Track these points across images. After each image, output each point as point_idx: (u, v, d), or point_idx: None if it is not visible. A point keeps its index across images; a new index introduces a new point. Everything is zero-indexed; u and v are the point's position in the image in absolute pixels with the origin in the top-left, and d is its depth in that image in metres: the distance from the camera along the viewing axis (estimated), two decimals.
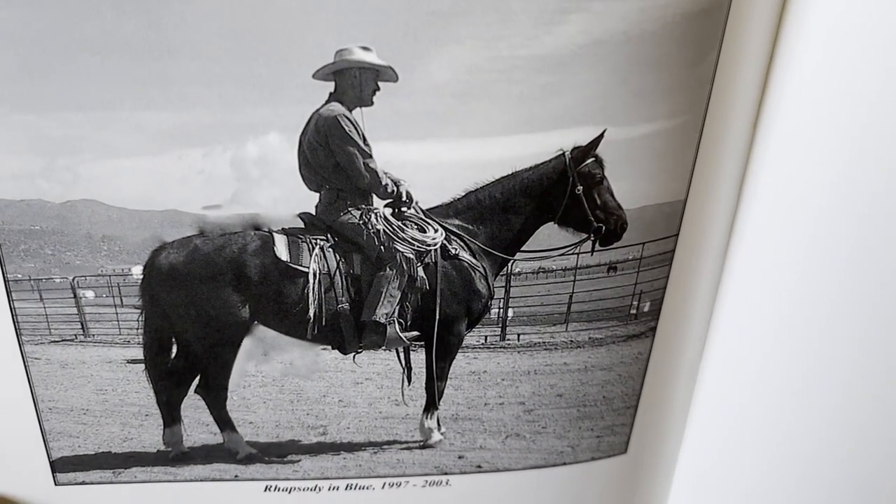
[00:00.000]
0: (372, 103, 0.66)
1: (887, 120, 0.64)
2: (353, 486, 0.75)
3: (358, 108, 0.70)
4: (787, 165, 0.67)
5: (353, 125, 0.71)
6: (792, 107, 0.66)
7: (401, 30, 0.59)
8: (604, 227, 0.77)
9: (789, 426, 0.75)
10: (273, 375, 0.78)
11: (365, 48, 0.61)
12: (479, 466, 0.76)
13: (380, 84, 0.64)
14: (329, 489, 0.75)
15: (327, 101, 0.69)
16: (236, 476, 0.74)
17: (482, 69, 0.60)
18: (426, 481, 0.76)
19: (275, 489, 0.75)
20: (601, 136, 0.65)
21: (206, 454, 0.75)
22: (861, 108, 0.64)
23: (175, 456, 0.75)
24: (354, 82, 0.67)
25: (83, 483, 0.74)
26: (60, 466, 0.73)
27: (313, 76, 0.62)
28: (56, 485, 0.73)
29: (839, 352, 0.71)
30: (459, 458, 0.77)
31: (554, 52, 0.60)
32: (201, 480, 0.75)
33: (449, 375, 0.80)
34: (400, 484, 0.76)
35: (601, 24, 0.59)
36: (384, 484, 0.75)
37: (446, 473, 0.76)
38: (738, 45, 0.62)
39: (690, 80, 0.63)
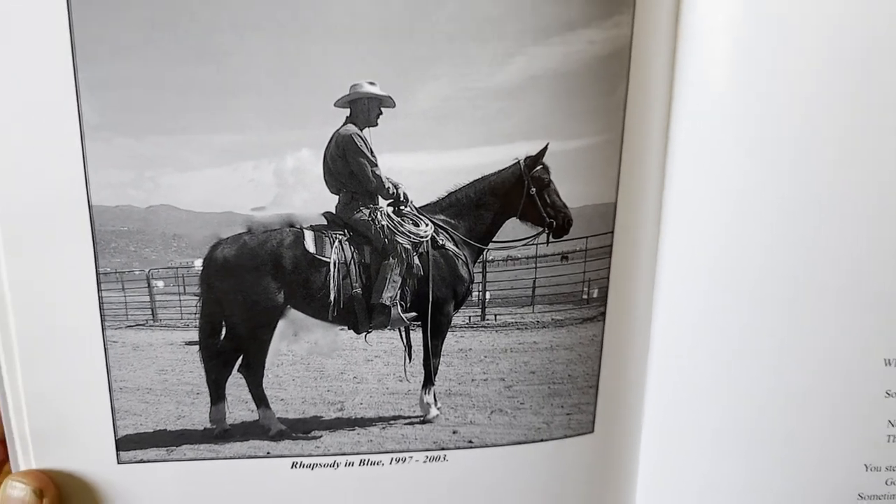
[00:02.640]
0: (377, 124, 0.74)
1: (772, 121, 0.69)
2: (366, 462, 0.75)
3: (367, 129, 0.77)
4: (697, 170, 0.72)
5: (364, 141, 0.78)
6: (693, 123, 0.71)
7: (396, 70, 0.67)
8: (554, 222, 0.82)
9: (733, 399, 0.75)
10: (301, 354, 0.80)
11: (371, 83, 0.69)
12: (471, 441, 0.76)
13: (382, 109, 0.72)
14: (345, 465, 0.75)
15: (344, 124, 0.75)
16: (268, 453, 0.74)
17: (454, 98, 0.68)
18: (427, 457, 0.75)
19: (300, 465, 0.74)
20: (545, 148, 0.71)
21: (243, 431, 0.75)
22: (750, 118, 0.69)
23: (218, 433, 0.75)
24: (364, 108, 0.74)
25: (141, 461, 0.72)
26: (124, 445, 0.72)
27: (334, 105, 0.70)
28: (119, 463, 0.72)
29: (762, 323, 0.73)
30: (454, 433, 0.77)
31: (505, 85, 0.68)
32: (239, 458, 0.74)
33: (441, 353, 0.82)
34: (405, 459, 0.75)
35: (537, 64, 0.67)
36: (391, 459, 0.75)
37: (444, 449, 0.75)
38: (642, 79, 0.70)
39: (608, 106, 0.70)
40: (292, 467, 0.73)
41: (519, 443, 0.75)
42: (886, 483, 0.73)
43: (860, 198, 0.69)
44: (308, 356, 0.79)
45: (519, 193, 0.82)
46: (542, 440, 0.75)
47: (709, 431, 0.75)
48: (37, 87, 0.64)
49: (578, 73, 0.69)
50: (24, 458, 0.70)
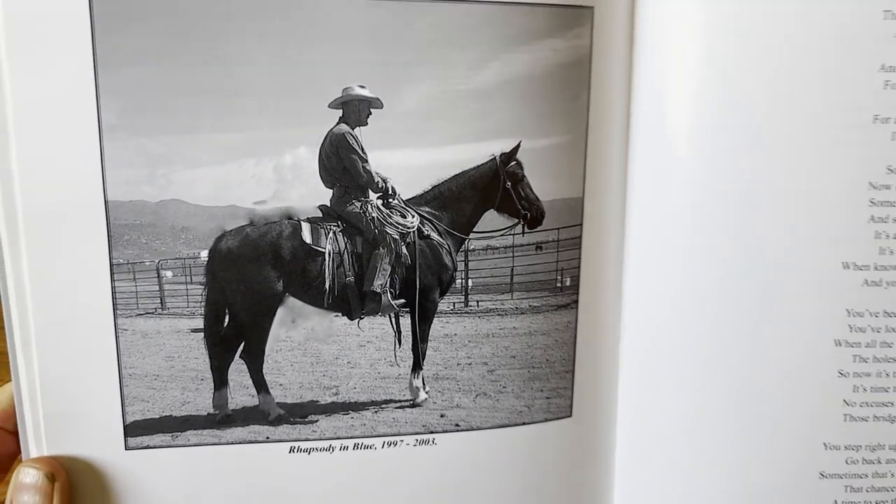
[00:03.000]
0: (367, 124, 0.76)
1: (720, 127, 0.72)
2: (360, 446, 0.75)
3: (358, 128, 0.79)
4: (655, 167, 0.75)
5: (355, 139, 0.81)
6: (650, 126, 0.74)
7: (383, 74, 0.71)
8: (528, 214, 0.85)
9: (699, 383, 0.75)
10: (298, 340, 0.81)
11: (361, 86, 0.72)
12: (458, 425, 0.76)
13: (371, 110, 0.74)
14: (340, 449, 0.74)
15: (337, 123, 0.78)
16: (267, 438, 0.74)
17: (436, 99, 0.71)
18: (416, 440, 0.75)
19: (298, 450, 0.74)
20: (518, 145, 0.74)
21: (244, 416, 0.75)
22: (701, 124, 0.72)
23: (221, 418, 0.74)
24: (355, 109, 0.77)
25: (147, 447, 0.72)
26: (132, 431, 0.71)
27: (328, 106, 0.73)
28: (126, 449, 0.71)
29: (723, 310, 0.74)
30: (441, 416, 0.77)
31: (481, 87, 0.71)
32: (240, 443, 0.73)
33: (429, 338, 0.85)
34: (396, 443, 0.75)
35: (508, 69, 0.71)
36: (384, 443, 0.75)
37: (432, 432, 0.75)
38: (602, 85, 0.74)
39: (572, 109, 0.74)
40: (290, 452, 0.73)
41: (502, 426, 0.76)
42: (846, 462, 0.73)
43: (806, 195, 0.71)
44: (305, 342, 0.81)
45: (496, 187, 0.86)
46: (524, 423, 0.76)
47: (677, 416, 0.75)
48: (61, 91, 0.66)
49: (544, 78, 0.73)
50: (36, 445, 0.70)
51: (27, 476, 0.68)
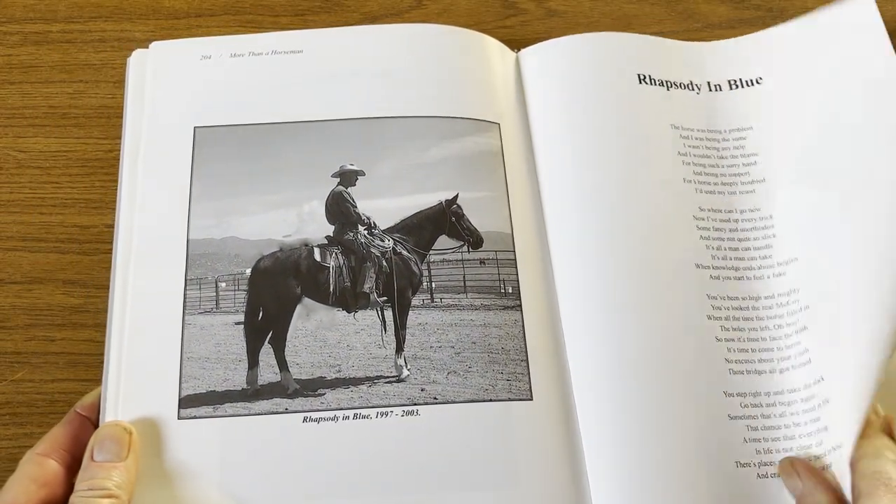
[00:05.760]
0: (356, 185, 0.95)
1: (598, 186, 0.92)
2: (358, 416, 0.79)
3: (350, 188, 0.95)
4: (561, 210, 0.91)
5: (349, 195, 0.96)
6: (550, 185, 0.93)
7: (366, 156, 0.93)
8: (471, 239, 0.98)
9: (626, 370, 0.82)
10: (310, 329, 0.91)
11: (352, 164, 0.93)
12: (435, 398, 0.81)
13: (359, 177, 0.93)
14: (342, 418, 0.79)
15: (337, 185, 0.95)
16: (286, 409, 0.79)
17: (400, 168, 0.92)
18: (403, 411, 0.80)
19: (309, 419, 0.79)
20: (457, 195, 0.93)
21: (269, 391, 0.82)
22: (579, 182, 0.92)
23: (252, 393, 0.81)
24: (348, 177, 0.95)
25: (194, 417, 0.78)
26: (184, 403, 0.79)
27: (331, 176, 0.93)
28: (178, 418, 0.78)
29: (627, 300, 0.85)
30: (422, 390, 0.82)
31: (428, 162, 0.92)
32: (264, 414, 0.79)
33: (407, 326, 0.94)
34: (387, 414, 0.79)
35: (445, 152, 0.91)
36: (377, 413, 0.79)
37: (416, 404, 0.80)
38: (513, 163, 0.93)
39: (493, 177, 0.92)
40: (303, 421, 0.79)
41: (472, 401, 0.80)
42: (741, 406, 0.81)
43: (662, 225, 0.90)
44: (316, 330, 0.91)
45: (445, 220, 1.00)
46: (490, 400, 0.80)
47: (617, 393, 0.81)
48: (171, 177, 0.89)
49: (472, 158, 0.92)
50: (113, 413, 0.77)
51: (108, 426, 0.75)
